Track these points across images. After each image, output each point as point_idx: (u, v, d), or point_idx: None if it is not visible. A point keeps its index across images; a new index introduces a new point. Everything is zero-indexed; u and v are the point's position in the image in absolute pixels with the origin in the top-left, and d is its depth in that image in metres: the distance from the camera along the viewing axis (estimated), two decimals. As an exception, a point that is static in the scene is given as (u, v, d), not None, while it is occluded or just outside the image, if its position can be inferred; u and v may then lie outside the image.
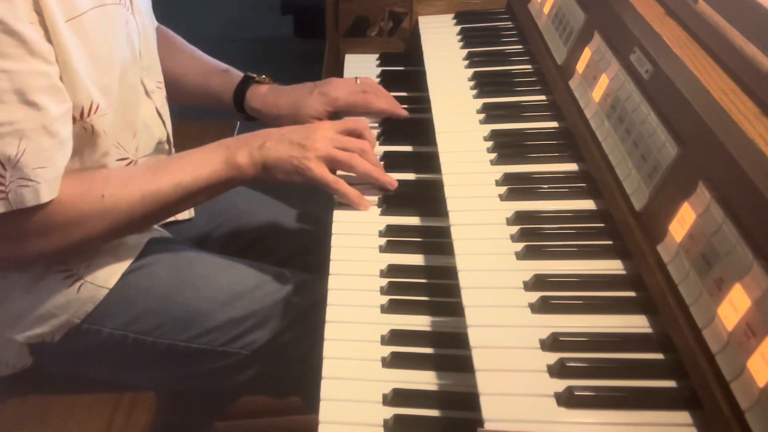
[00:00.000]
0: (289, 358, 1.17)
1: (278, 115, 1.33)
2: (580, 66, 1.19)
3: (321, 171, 1.11)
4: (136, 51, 1.15)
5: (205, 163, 1.10)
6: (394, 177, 1.17)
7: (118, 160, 1.13)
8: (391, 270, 1.01)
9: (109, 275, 1.14)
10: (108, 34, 1.06)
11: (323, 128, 1.15)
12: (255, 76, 1.38)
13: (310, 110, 1.31)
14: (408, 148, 1.29)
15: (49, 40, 0.96)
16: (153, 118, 1.21)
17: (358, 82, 1.37)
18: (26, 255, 1.06)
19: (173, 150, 1.28)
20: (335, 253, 1.04)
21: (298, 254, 1.38)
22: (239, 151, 1.10)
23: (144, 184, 1.07)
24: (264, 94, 1.36)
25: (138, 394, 1.21)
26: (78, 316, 1.13)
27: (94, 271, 1.13)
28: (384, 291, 0.98)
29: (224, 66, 1.42)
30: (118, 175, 1.12)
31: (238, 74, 1.39)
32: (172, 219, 1.34)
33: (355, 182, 1.14)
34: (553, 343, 0.82)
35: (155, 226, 1.28)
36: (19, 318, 1.13)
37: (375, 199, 1.15)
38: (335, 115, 1.35)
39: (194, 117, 1.83)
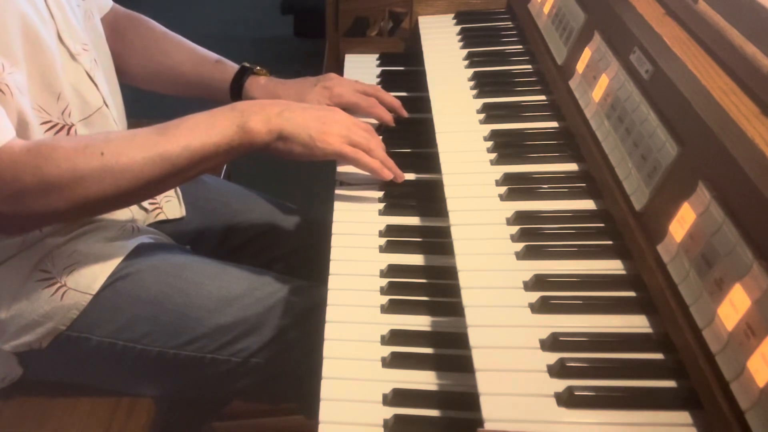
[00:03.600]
0: (283, 366, 1.16)
1: None
2: (580, 66, 1.19)
3: (339, 144, 1.10)
4: (42, 11, 1.09)
5: (216, 126, 1.06)
6: (395, 177, 1.18)
7: (42, 124, 1.08)
8: (391, 270, 1.01)
9: (91, 281, 1.13)
10: None
11: (342, 113, 1.16)
12: (252, 66, 1.36)
13: (314, 103, 1.29)
14: (408, 148, 1.29)
15: None
16: (83, 82, 1.16)
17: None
18: (30, 213, 1.01)
19: (115, 115, 1.23)
20: (335, 253, 1.04)
21: (293, 253, 1.37)
22: (254, 116, 1.07)
23: (149, 145, 1.03)
24: (264, 85, 1.34)
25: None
26: (63, 323, 1.13)
27: (76, 277, 1.12)
28: (384, 291, 0.98)
29: (216, 56, 1.39)
30: (121, 134, 1.10)
31: (232, 65, 1.37)
32: (164, 217, 1.33)
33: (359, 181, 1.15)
34: (553, 343, 0.82)
35: (145, 227, 1.28)
36: (3, 327, 1.12)
37: (375, 198, 1.15)
38: None
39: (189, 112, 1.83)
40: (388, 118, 1.33)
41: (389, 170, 1.15)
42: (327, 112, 1.14)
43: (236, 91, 1.35)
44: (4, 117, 0.99)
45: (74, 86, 1.14)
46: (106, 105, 1.20)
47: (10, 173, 0.98)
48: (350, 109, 1.33)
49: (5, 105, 1.00)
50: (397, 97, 1.38)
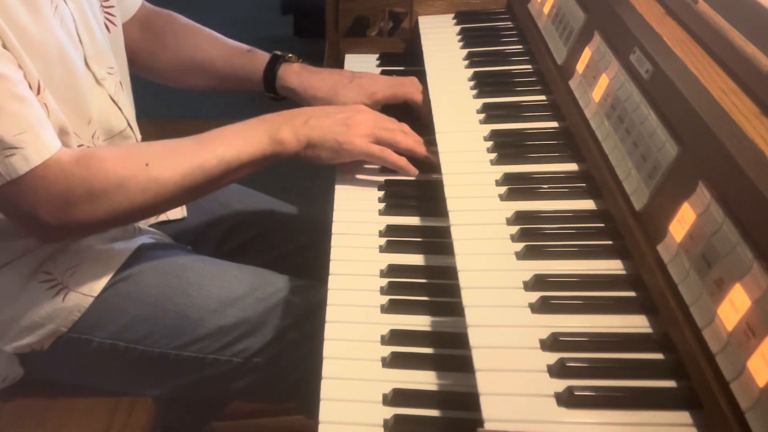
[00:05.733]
0: (284, 365, 1.16)
1: (313, 96, 1.31)
2: (580, 66, 1.19)
3: (365, 144, 1.13)
4: (75, 37, 1.11)
5: (249, 138, 1.10)
6: (394, 179, 1.18)
7: (78, 147, 1.10)
8: (391, 270, 1.01)
9: (94, 283, 1.13)
10: (35, 18, 1.02)
11: (366, 110, 1.18)
12: (284, 53, 1.35)
13: (348, 100, 1.29)
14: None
15: None
16: (107, 105, 1.18)
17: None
18: (74, 221, 1.03)
19: (138, 137, 1.25)
20: (335, 253, 1.04)
21: (293, 253, 1.37)
22: (283, 126, 1.11)
23: (189, 156, 1.07)
24: (298, 72, 1.33)
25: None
26: (65, 325, 1.13)
27: (78, 279, 1.13)
28: (384, 291, 0.98)
29: (247, 46, 1.39)
30: (161, 145, 1.11)
31: (264, 54, 1.36)
32: (164, 218, 1.34)
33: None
34: (553, 343, 0.82)
35: (146, 227, 1.28)
36: (5, 328, 1.12)
37: (375, 198, 1.15)
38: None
39: (194, 117, 1.83)
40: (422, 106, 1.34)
41: (421, 150, 1.19)
42: (350, 113, 1.16)
43: (269, 80, 1.34)
44: (51, 129, 1.00)
45: (99, 110, 1.16)
46: (130, 127, 1.23)
47: (62, 185, 0.99)
48: (388, 102, 1.33)
49: (50, 119, 1.02)
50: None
